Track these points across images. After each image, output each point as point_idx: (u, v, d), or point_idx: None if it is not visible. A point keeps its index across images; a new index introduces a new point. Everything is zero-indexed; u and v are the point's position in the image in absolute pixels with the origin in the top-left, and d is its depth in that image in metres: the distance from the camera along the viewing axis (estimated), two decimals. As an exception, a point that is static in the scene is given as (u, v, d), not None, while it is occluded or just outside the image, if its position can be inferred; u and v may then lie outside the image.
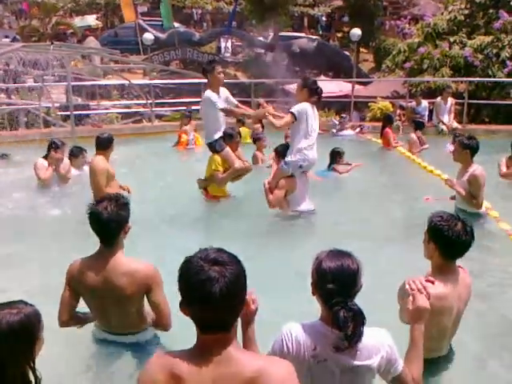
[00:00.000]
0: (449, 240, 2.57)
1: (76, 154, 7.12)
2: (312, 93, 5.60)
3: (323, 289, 2.13)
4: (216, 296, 1.65)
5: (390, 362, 2.17)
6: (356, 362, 2.10)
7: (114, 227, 2.86)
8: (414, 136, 9.64)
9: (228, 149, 6.26)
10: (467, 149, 5.35)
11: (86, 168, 6.75)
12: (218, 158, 6.26)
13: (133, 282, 2.83)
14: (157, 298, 2.86)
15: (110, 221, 2.82)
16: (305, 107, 5.54)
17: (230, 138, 6.34)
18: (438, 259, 2.64)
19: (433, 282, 2.51)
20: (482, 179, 5.30)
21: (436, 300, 2.50)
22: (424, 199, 5.61)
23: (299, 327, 2.17)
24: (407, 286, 2.47)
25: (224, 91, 6.29)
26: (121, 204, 2.91)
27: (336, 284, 2.10)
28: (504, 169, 7.11)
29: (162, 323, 2.91)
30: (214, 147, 6.27)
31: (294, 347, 2.12)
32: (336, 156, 7.89)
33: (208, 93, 6.10)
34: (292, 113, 5.48)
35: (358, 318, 2.07)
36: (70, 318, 2.97)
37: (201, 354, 1.72)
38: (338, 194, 7.19)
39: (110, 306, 2.92)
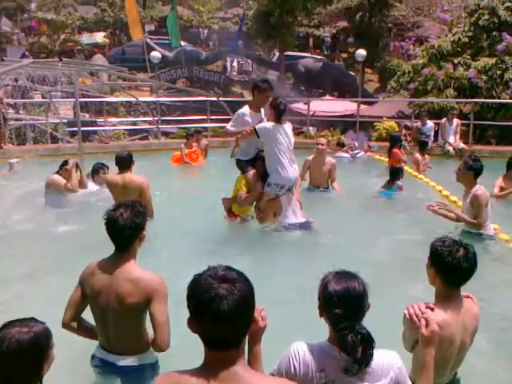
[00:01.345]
0: (449, 266, 2.48)
1: (97, 169, 7.12)
2: (279, 112, 5.77)
3: (330, 313, 2.12)
4: (225, 313, 1.66)
5: (400, 383, 2.15)
6: None
7: (129, 234, 2.86)
8: (418, 156, 9.68)
9: (252, 172, 6.06)
10: (471, 170, 5.31)
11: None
12: (243, 178, 6.11)
13: (135, 290, 2.78)
14: (156, 311, 2.76)
15: (125, 227, 2.83)
16: (268, 126, 5.74)
17: (264, 159, 6.04)
18: (439, 285, 2.56)
19: (432, 309, 2.44)
20: (484, 199, 5.25)
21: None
22: (429, 206, 5.49)
23: (307, 347, 2.14)
24: (405, 311, 2.45)
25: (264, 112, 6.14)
26: (137, 211, 2.91)
27: (342, 308, 2.08)
28: (496, 190, 7.08)
29: (156, 341, 2.75)
30: (240, 166, 6.15)
31: (302, 368, 2.09)
32: (399, 174, 7.84)
33: (244, 108, 5.96)
34: (254, 128, 5.72)
35: (367, 342, 2.05)
36: (73, 320, 2.93)
37: (209, 371, 1.72)
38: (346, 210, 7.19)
39: (109, 316, 2.85)
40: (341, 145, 12.03)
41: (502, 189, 7.17)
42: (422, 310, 2.39)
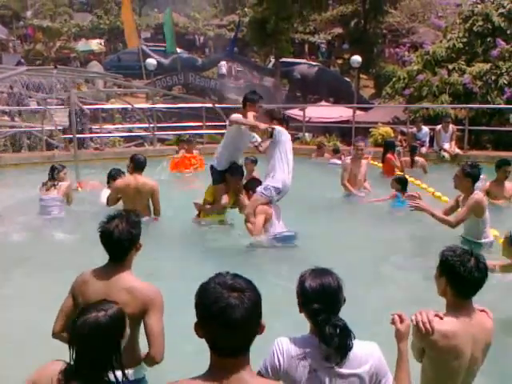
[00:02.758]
0: (460, 276, 2.46)
1: (114, 175, 6.97)
2: (281, 123, 5.83)
3: (308, 307, 2.23)
4: (236, 323, 1.67)
5: (380, 373, 2.21)
6: (346, 371, 2.16)
7: (126, 246, 2.80)
8: (419, 159, 9.84)
9: (221, 186, 6.18)
10: (469, 177, 5.27)
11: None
12: (211, 188, 6.31)
13: (132, 300, 2.71)
14: (152, 321, 2.69)
15: (121, 239, 2.77)
16: (283, 131, 5.73)
17: (233, 172, 6.17)
18: (450, 296, 2.54)
19: (441, 318, 2.45)
20: (474, 203, 5.18)
21: (441, 337, 2.42)
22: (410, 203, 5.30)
23: (289, 340, 2.24)
24: (412, 317, 2.46)
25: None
26: (132, 222, 2.85)
27: (319, 302, 2.20)
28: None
29: (151, 353, 2.67)
30: (213, 175, 6.24)
31: (286, 359, 2.18)
32: (408, 183, 7.77)
33: (235, 115, 6.00)
34: (273, 128, 5.66)
35: (344, 333, 2.16)
36: (63, 330, 2.83)
37: (216, 377, 1.72)
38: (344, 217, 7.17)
39: None
40: (336, 151, 12.05)
41: (487, 192, 7.15)
42: (429, 318, 2.41)
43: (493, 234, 5.55)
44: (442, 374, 2.49)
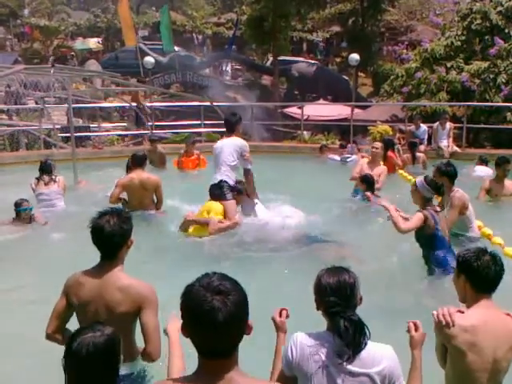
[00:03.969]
0: (477, 270, 2.52)
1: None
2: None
3: (324, 302, 2.29)
4: (220, 325, 1.67)
5: (394, 376, 2.21)
6: (357, 369, 2.17)
7: (117, 241, 2.79)
8: (420, 155, 9.95)
9: (233, 201, 6.02)
10: (445, 176, 5.23)
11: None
12: (219, 206, 5.95)
13: (126, 298, 2.71)
14: (147, 319, 2.70)
15: (112, 235, 2.76)
16: None
17: (238, 193, 6.09)
18: (470, 294, 2.58)
19: (462, 313, 2.48)
20: (457, 201, 5.15)
21: (461, 331, 2.43)
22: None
23: (305, 335, 2.29)
24: (434, 312, 2.49)
25: None
26: (123, 218, 2.84)
27: (335, 296, 2.26)
28: (482, 193, 7.06)
29: (148, 349, 2.68)
30: (220, 192, 5.99)
31: (298, 352, 2.23)
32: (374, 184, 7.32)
33: (244, 142, 6.21)
34: None
35: (359, 328, 2.19)
36: (57, 331, 2.83)
37: (203, 378, 1.72)
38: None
39: None
40: (342, 146, 12.09)
41: (487, 191, 7.14)
42: (450, 312, 2.45)
43: (486, 233, 5.54)
44: (462, 372, 2.48)
